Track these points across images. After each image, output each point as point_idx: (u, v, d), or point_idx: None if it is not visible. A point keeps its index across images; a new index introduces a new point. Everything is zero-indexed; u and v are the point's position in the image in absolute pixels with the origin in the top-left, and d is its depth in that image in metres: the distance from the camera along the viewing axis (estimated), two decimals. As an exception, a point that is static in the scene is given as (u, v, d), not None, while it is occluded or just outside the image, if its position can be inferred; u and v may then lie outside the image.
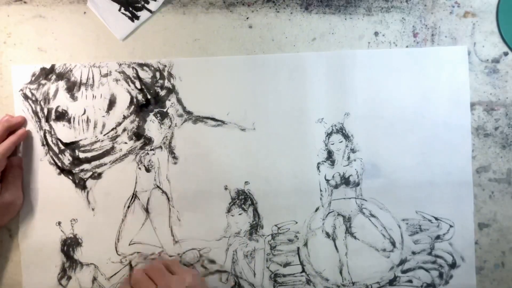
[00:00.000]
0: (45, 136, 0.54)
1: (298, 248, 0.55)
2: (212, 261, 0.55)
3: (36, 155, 0.54)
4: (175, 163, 0.55)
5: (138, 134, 0.55)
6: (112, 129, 0.55)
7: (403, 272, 0.55)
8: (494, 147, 0.56)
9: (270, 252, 0.55)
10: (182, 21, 0.54)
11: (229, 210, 0.55)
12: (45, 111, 0.54)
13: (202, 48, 0.55)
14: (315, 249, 0.55)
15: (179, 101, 0.54)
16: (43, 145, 0.54)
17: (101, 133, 0.55)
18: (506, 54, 0.55)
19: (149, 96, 0.54)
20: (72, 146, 0.55)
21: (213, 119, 0.55)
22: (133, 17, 0.54)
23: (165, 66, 0.54)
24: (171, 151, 0.55)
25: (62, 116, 0.55)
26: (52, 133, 0.54)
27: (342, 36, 0.55)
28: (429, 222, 0.55)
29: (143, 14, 0.54)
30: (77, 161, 0.55)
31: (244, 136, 0.55)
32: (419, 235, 0.55)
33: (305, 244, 0.55)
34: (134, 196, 0.55)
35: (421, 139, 0.55)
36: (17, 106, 0.54)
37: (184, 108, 0.55)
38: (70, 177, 0.54)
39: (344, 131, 0.55)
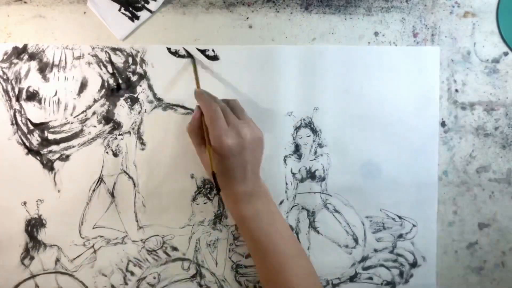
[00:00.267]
0: (14, 116, 0.54)
1: (261, 239, 0.55)
2: (175, 248, 0.55)
3: (4, 134, 0.54)
4: (143, 149, 0.55)
5: (108, 118, 0.55)
6: (82, 112, 0.55)
7: (364, 269, 0.56)
8: (494, 147, 0.56)
9: (233, 242, 0.55)
10: (182, 21, 0.54)
11: (194, 199, 0.55)
12: (16, 90, 0.54)
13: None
14: (277, 241, 0.55)
15: (150, 87, 0.55)
16: (12, 124, 0.54)
17: (71, 115, 0.55)
18: (506, 54, 0.56)
19: (120, 81, 0.55)
20: (41, 126, 0.55)
21: (183, 107, 0.55)
22: (133, 17, 0.54)
23: (138, 52, 0.54)
24: (140, 137, 0.55)
25: (33, 96, 0.54)
26: (22, 112, 0.54)
27: (342, 36, 0.55)
28: (392, 221, 0.55)
29: (143, 14, 0.54)
30: (45, 142, 0.55)
31: (213, 126, 0.55)
32: (382, 233, 0.55)
33: (268, 236, 0.55)
34: (100, 180, 0.55)
35: (389, 137, 0.55)
36: (-13, 84, 0.54)
37: (154, 95, 0.55)
38: (38, 158, 0.54)
39: (312, 126, 0.55)
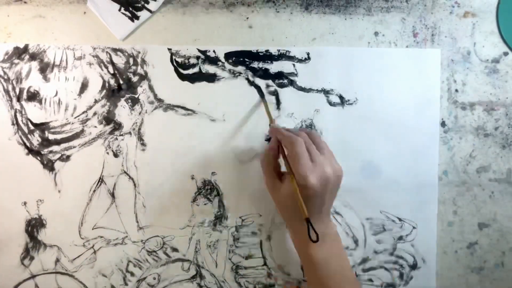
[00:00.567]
0: (15, 116, 0.54)
1: (261, 241, 0.55)
2: (175, 249, 0.55)
3: (5, 134, 0.54)
4: (144, 149, 0.55)
5: (108, 119, 0.55)
6: (83, 112, 0.55)
7: (364, 270, 0.56)
8: (494, 147, 0.56)
9: (233, 243, 0.55)
10: (182, 21, 0.54)
11: (194, 200, 0.55)
12: (17, 90, 0.54)
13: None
14: (278, 243, 0.55)
15: (150, 88, 0.55)
16: (12, 124, 0.54)
17: (72, 115, 0.55)
18: (506, 54, 0.56)
19: (121, 82, 0.55)
20: (42, 127, 0.55)
21: (183, 108, 0.55)
22: (133, 17, 0.54)
23: (139, 52, 0.54)
24: (140, 138, 0.55)
25: (33, 96, 0.54)
26: (23, 113, 0.54)
27: (342, 36, 0.55)
28: (392, 222, 0.55)
29: (143, 14, 0.54)
30: (46, 142, 0.55)
31: (214, 127, 0.55)
32: (382, 235, 0.55)
33: (268, 238, 0.55)
34: (101, 180, 0.55)
35: (389, 138, 0.55)
36: (-12, 84, 0.54)
37: (155, 95, 0.55)
38: (39, 158, 0.55)
39: (313, 127, 0.55)
